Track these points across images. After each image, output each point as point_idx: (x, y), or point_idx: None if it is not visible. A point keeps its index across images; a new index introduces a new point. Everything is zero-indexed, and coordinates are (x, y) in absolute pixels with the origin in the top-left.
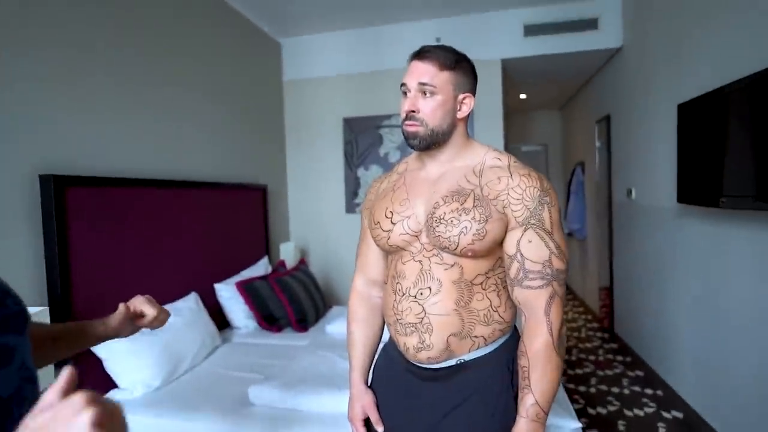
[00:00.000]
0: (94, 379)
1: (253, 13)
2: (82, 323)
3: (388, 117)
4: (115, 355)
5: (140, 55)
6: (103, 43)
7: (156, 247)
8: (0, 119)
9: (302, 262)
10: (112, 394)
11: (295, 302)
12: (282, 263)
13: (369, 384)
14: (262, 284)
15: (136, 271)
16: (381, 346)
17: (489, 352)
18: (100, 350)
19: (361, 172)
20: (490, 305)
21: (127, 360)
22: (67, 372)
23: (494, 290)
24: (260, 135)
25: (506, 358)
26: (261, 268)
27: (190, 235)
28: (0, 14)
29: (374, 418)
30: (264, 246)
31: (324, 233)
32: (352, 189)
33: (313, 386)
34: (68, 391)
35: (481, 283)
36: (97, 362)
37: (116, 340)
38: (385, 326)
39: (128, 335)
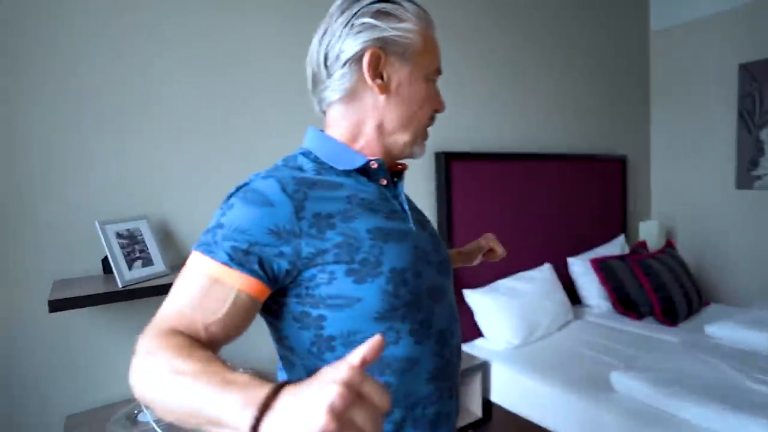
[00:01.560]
0: (468, 326)
1: None
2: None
3: None
4: (484, 310)
5: (505, 46)
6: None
7: (512, 215)
8: None
9: (670, 245)
10: (480, 342)
11: (661, 289)
12: (642, 244)
13: None
14: (619, 264)
15: (497, 234)
16: None
17: None
18: (474, 303)
19: (765, 134)
20: None
21: (492, 316)
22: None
23: None
24: (618, 100)
25: None
26: (616, 246)
27: (542, 207)
28: None
29: None
30: (620, 223)
31: (699, 212)
32: (750, 157)
33: (692, 392)
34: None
35: None
36: (470, 312)
37: (485, 299)
38: None
39: (472, 264)
